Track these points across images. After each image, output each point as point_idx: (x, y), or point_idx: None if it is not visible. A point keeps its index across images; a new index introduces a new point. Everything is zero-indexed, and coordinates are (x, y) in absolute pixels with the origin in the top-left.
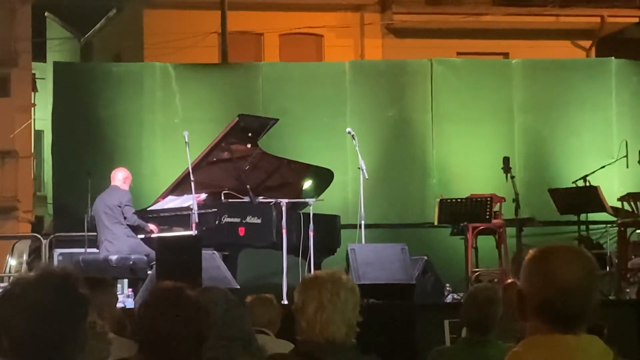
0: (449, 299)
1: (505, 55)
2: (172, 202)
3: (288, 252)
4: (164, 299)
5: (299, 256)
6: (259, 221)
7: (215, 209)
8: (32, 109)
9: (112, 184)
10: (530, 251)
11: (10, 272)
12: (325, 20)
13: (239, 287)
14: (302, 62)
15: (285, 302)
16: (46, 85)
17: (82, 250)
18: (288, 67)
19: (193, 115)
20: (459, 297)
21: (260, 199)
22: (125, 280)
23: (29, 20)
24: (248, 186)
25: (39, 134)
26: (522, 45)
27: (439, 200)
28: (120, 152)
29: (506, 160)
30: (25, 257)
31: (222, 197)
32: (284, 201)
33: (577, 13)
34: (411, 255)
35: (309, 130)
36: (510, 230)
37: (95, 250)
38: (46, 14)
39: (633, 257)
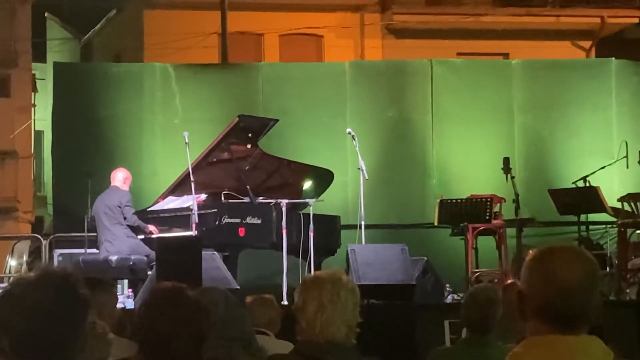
0: (449, 299)
1: (505, 55)
2: (172, 202)
3: (288, 253)
4: (164, 299)
5: (299, 257)
6: (259, 222)
7: (215, 210)
8: (32, 109)
9: (112, 184)
10: (531, 252)
11: (10, 272)
12: (325, 21)
13: (239, 287)
14: (302, 63)
15: (285, 302)
16: (46, 86)
17: (82, 250)
18: (288, 67)
19: (193, 116)
20: (459, 298)
21: (260, 199)
22: (125, 281)
23: (29, 21)
24: (248, 187)
25: (39, 134)
26: (522, 46)
27: (439, 200)
28: (120, 152)
29: (506, 160)
30: (25, 257)
31: (222, 198)
32: (284, 202)
33: (577, 13)
34: (411, 255)
35: (309, 130)
36: (510, 231)
37: (95, 250)
38: (46, 14)
39: (633, 257)
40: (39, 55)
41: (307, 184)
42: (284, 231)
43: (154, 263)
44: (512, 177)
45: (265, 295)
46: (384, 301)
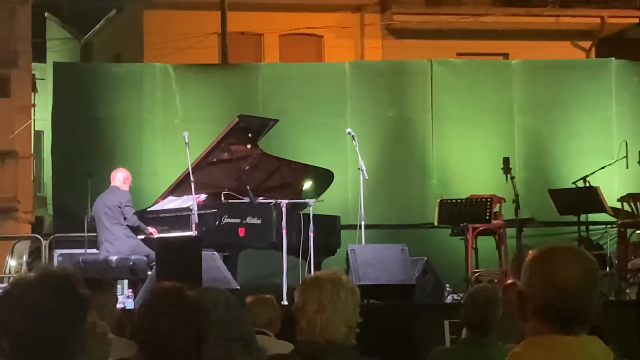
0: (449, 299)
1: (505, 55)
2: (172, 202)
3: (288, 253)
4: (163, 299)
5: (299, 257)
6: (259, 222)
7: (215, 210)
8: (32, 109)
9: (112, 184)
10: (531, 252)
11: (10, 272)
12: (325, 21)
13: (239, 287)
14: (302, 63)
15: (285, 302)
16: (46, 86)
17: (82, 250)
18: (288, 67)
19: (193, 116)
20: (459, 298)
21: (260, 199)
22: (125, 281)
23: (29, 21)
24: (248, 187)
25: (38, 134)
26: (522, 46)
27: (439, 200)
28: (120, 152)
29: (506, 160)
30: (25, 257)
31: (222, 198)
32: (284, 202)
33: (577, 14)
34: (411, 255)
35: (309, 130)
36: (510, 231)
37: (95, 250)
38: (46, 14)
39: (633, 257)
40: (39, 55)
41: (307, 184)
42: (284, 231)
43: (154, 263)
44: (512, 177)
45: (265, 295)
46: (384, 301)
